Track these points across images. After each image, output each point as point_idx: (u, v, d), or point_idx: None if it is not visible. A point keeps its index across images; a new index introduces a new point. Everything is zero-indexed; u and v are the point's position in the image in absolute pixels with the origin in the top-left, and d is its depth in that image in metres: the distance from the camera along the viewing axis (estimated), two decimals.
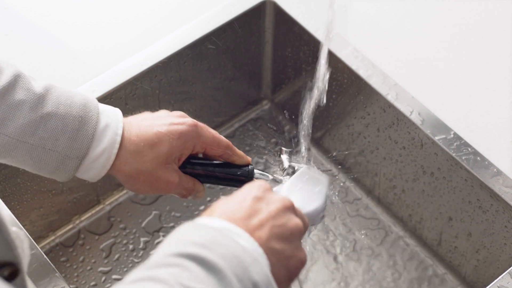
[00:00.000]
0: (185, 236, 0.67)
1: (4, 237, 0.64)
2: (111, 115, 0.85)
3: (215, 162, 0.90)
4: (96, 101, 0.85)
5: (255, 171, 0.91)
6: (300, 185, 0.88)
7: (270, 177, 0.91)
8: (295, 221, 0.73)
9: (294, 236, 0.72)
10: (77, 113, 0.82)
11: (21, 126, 0.80)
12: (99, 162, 0.83)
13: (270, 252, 0.69)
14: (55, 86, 0.84)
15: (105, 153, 0.83)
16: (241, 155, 0.91)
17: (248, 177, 0.90)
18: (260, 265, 0.66)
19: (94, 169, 0.84)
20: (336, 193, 1.23)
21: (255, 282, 0.65)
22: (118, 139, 0.83)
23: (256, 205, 0.72)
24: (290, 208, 0.74)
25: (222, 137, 0.90)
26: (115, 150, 0.83)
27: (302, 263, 0.72)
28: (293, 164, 0.93)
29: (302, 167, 0.91)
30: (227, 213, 0.70)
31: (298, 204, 0.77)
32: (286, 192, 0.87)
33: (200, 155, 0.90)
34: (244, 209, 0.71)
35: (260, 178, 0.90)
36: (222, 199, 0.74)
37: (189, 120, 0.87)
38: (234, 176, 0.90)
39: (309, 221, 0.80)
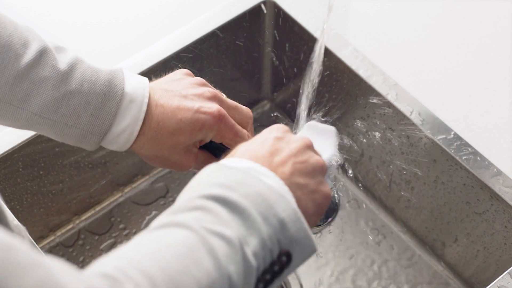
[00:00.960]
0: (208, 178, 0.67)
1: (5, 226, 0.64)
2: (137, 88, 0.84)
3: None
4: (123, 75, 0.84)
5: None
6: (310, 136, 0.88)
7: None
8: (316, 157, 0.74)
9: (316, 172, 0.73)
10: (101, 90, 0.82)
11: (44, 102, 0.80)
12: (122, 137, 0.83)
13: (295, 187, 0.69)
14: (81, 61, 0.84)
15: (128, 130, 0.83)
16: None
17: None
18: (286, 201, 0.66)
19: (117, 143, 0.84)
20: (336, 194, 1.23)
21: (281, 219, 0.64)
22: (142, 115, 0.83)
23: (277, 144, 0.72)
24: (311, 147, 0.75)
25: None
26: (138, 127, 0.83)
27: (327, 197, 0.72)
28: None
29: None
30: (250, 153, 0.71)
31: None
32: None
33: None
34: (266, 148, 0.71)
35: None
36: (243, 143, 0.74)
37: (215, 108, 0.86)
38: None
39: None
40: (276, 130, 0.75)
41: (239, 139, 0.88)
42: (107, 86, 0.82)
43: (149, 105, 0.83)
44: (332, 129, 0.89)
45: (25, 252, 0.51)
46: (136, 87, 0.84)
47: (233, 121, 0.88)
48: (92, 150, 0.86)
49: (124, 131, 0.83)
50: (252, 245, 0.62)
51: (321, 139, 0.88)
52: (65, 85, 0.81)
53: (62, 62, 0.82)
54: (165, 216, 0.64)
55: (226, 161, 0.70)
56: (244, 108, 0.90)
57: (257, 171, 0.68)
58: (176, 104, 0.84)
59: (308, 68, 1.05)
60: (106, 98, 0.82)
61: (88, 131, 0.82)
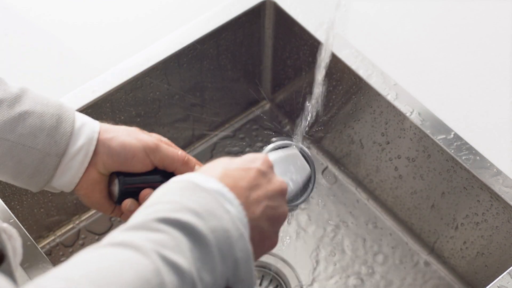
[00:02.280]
0: (180, 197, 0.67)
1: None
2: (86, 117, 0.86)
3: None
4: (71, 106, 0.87)
5: None
6: (278, 163, 0.88)
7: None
8: (284, 208, 0.75)
9: (279, 222, 0.75)
10: (54, 111, 0.83)
11: (0, 123, 0.81)
12: (77, 158, 0.83)
13: (256, 230, 0.70)
14: (30, 89, 0.85)
15: (83, 149, 0.83)
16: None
17: None
18: (244, 241, 0.66)
19: (71, 169, 0.83)
20: (334, 195, 1.23)
21: (236, 259, 0.65)
22: (96, 135, 0.84)
23: (258, 179, 0.73)
24: (284, 194, 0.76)
25: (179, 155, 0.89)
26: (93, 147, 0.83)
27: (273, 247, 0.75)
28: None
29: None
30: (230, 177, 0.71)
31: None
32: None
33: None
34: (247, 180, 0.72)
35: None
36: (225, 158, 0.74)
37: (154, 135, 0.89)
38: None
39: None
40: (262, 162, 0.75)
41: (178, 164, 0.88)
42: (59, 109, 0.84)
43: (101, 127, 0.85)
44: (306, 170, 0.89)
45: None
46: (85, 116, 0.87)
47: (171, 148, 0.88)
48: (44, 184, 0.84)
49: (79, 152, 0.83)
50: (204, 281, 0.62)
51: (288, 165, 0.88)
52: (19, 105, 0.82)
53: (13, 87, 0.84)
54: (121, 232, 0.63)
55: (201, 178, 0.69)
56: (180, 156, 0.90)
57: (227, 198, 0.68)
58: (125, 135, 0.86)
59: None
60: (60, 119, 0.83)
61: (46, 152, 0.82)
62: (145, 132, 0.88)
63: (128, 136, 0.85)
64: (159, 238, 0.61)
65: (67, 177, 0.84)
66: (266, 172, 0.75)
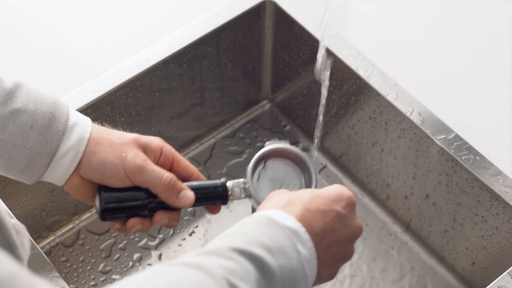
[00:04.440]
0: (255, 230, 0.69)
1: (5, 238, 0.64)
2: (80, 116, 0.85)
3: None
4: (65, 102, 0.86)
5: (228, 183, 0.88)
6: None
7: (242, 181, 0.88)
8: (351, 252, 0.77)
9: (341, 264, 0.77)
10: (47, 109, 0.82)
11: None
12: (67, 158, 0.83)
13: (319, 275, 0.73)
14: (25, 84, 0.84)
15: (72, 150, 0.82)
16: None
17: (223, 190, 0.88)
18: (307, 283, 0.69)
19: (62, 166, 0.83)
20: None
21: None
22: (87, 136, 0.83)
23: (336, 223, 0.74)
24: (356, 239, 0.77)
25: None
26: (83, 148, 0.83)
27: (328, 280, 0.77)
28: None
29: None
30: (308, 218, 0.72)
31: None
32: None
33: None
34: (324, 223, 0.73)
35: (233, 187, 0.88)
36: (308, 193, 0.75)
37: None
38: (210, 191, 0.88)
39: None
40: (345, 205, 0.76)
41: (185, 162, 0.88)
42: (53, 107, 0.83)
43: (92, 127, 0.85)
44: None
45: (27, 283, 0.54)
46: (78, 113, 0.86)
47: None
48: (35, 180, 0.84)
49: (69, 151, 0.82)
50: None
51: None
52: (11, 103, 0.81)
53: (7, 82, 0.83)
54: (195, 256, 0.65)
55: (279, 215, 0.71)
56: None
57: (300, 238, 0.70)
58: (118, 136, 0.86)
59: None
60: (53, 117, 0.82)
61: (37, 151, 0.81)
62: (143, 141, 0.86)
63: (112, 153, 0.83)
64: (230, 265, 0.64)
65: (57, 174, 0.84)
66: (345, 215, 0.75)
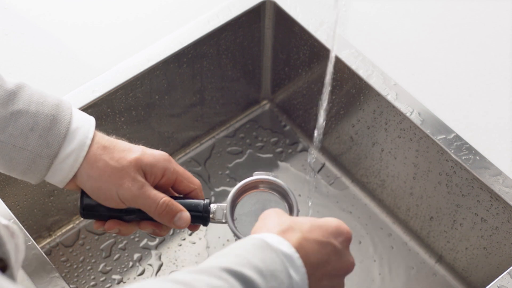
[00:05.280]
0: (249, 252, 0.69)
1: None
2: (83, 119, 0.84)
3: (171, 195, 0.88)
4: (70, 103, 0.85)
5: (212, 205, 0.88)
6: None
7: (225, 205, 0.88)
8: (342, 286, 0.77)
9: None
10: (49, 112, 0.82)
11: None
12: (67, 162, 0.82)
13: None
14: (28, 85, 0.83)
15: (73, 154, 0.82)
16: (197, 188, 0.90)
17: (205, 211, 0.88)
18: None
19: (62, 170, 0.83)
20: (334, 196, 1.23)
21: None
22: (88, 142, 0.82)
23: (331, 256, 0.74)
24: (348, 274, 0.77)
25: (192, 175, 0.89)
26: (84, 153, 0.82)
27: None
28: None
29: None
30: (305, 247, 0.72)
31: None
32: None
33: None
34: (320, 255, 0.73)
35: (216, 210, 0.88)
36: (309, 221, 0.75)
37: (163, 152, 0.87)
38: (192, 211, 0.88)
39: None
40: (343, 240, 0.76)
41: (194, 183, 0.88)
42: (55, 109, 0.82)
43: (94, 135, 0.84)
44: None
45: None
46: (82, 116, 0.85)
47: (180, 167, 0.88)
48: (39, 181, 0.84)
49: (69, 155, 0.82)
50: None
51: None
52: (12, 104, 0.81)
53: (10, 83, 0.82)
54: (186, 273, 0.65)
55: (274, 240, 0.71)
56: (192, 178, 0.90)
57: (294, 263, 0.70)
58: (124, 145, 0.85)
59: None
60: (54, 120, 0.81)
61: (37, 153, 0.81)
62: (145, 162, 0.84)
63: (108, 179, 0.82)
64: (219, 284, 0.64)
65: (59, 177, 0.83)
66: (341, 250, 0.75)
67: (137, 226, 0.88)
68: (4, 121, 0.80)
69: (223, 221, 0.88)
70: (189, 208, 0.87)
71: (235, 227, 0.87)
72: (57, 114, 0.82)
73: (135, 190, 0.83)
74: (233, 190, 0.89)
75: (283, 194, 0.89)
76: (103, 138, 0.85)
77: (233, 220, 0.88)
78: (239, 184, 0.89)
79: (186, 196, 0.89)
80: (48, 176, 0.84)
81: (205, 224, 0.89)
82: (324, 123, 1.15)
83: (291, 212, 0.88)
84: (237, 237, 0.87)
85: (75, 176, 0.83)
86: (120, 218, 0.87)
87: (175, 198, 0.88)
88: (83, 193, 0.86)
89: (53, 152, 0.81)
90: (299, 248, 0.72)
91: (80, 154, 0.82)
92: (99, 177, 0.82)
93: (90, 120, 0.85)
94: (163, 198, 0.84)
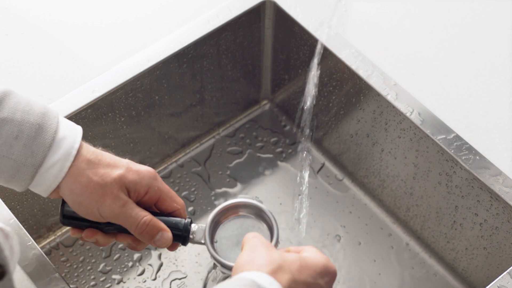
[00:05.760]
0: None
1: None
2: (70, 128, 0.83)
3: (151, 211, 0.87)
4: (57, 112, 0.84)
5: (192, 225, 0.88)
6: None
7: (205, 226, 0.88)
8: None
9: None
10: (35, 120, 0.80)
11: None
12: (51, 172, 0.81)
13: None
14: (15, 93, 0.82)
15: (58, 164, 0.81)
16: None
17: (184, 231, 0.87)
18: None
19: (46, 180, 0.82)
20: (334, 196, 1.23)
21: None
22: (74, 152, 0.81)
23: None
24: None
25: (176, 194, 0.89)
26: (68, 163, 0.81)
27: None
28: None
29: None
30: (294, 285, 0.72)
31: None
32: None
33: None
34: None
35: (196, 230, 0.88)
36: (298, 260, 0.75)
37: (149, 168, 0.86)
38: (171, 228, 0.87)
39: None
40: (330, 279, 0.76)
41: (177, 203, 0.87)
42: (41, 118, 0.81)
43: (80, 146, 0.83)
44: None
45: None
46: (69, 125, 0.83)
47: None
48: (23, 190, 0.83)
49: (54, 165, 0.81)
50: None
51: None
52: None
53: None
54: None
55: (265, 281, 0.70)
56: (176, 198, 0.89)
57: None
58: (109, 156, 0.84)
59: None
60: (40, 129, 0.80)
61: (22, 162, 0.80)
62: (129, 179, 0.83)
63: (90, 195, 0.81)
64: None
65: (42, 187, 0.82)
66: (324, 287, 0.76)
67: (114, 237, 0.87)
68: None
69: (202, 242, 0.87)
70: (169, 225, 0.87)
71: (214, 250, 0.86)
72: (43, 123, 0.81)
73: (117, 208, 0.82)
74: (214, 211, 0.88)
75: (266, 221, 0.88)
76: (89, 151, 0.84)
77: (212, 242, 0.87)
78: (221, 206, 0.88)
79: (169, 214, 0.88)
80: (32, 185, 0.82)
81: (184, 244, 0.88)
82: (313, 103, 1.13)
83: (272, 237, 0.87)
84: (214, 259, 0.86)
85: (58, 186, 0.82)
86: (99, 229, 0.87)
87: (156, 214, 0.87)
88: (64, 202, 0.85)
89: (38, 161, 0.80)
90: (290, 283, 0.71)
91: (65, 164, 0.81)
92: (81, 192, 0.82)
93: (77, 130, 0.84)
94: (144, 217, 0.84)
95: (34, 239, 1.09)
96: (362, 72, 1.10)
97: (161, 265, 1.15)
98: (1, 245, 0.65)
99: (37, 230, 1.14)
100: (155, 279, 1.13)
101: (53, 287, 0.89)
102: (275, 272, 0.72)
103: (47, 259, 0.91)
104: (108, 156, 0.84)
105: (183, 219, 0.88)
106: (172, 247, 0.89)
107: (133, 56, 1.11)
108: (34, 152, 0.80)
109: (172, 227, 0.87)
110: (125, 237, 0.87)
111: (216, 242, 0.87)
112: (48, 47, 1.15)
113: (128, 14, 1.19)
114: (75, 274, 1.13)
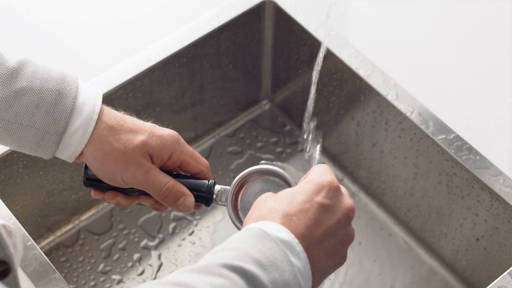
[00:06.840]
0: (247, 244, 0.67)
1: None
2: (90, 92, 0.83)
3: (174, 173, 0.87)
4: (76, 77, 0.83)
5: (216, 186, 0.87)
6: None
7: (229, 189, 0.87)
8: (351, 234, 0.74)
9: (344, 250, 0.74)
10: (54, 87, 0.80)
11: None
12: (74, 138, 0.81)
13: (318, 270, 0.71)
14: (31, 61, 0.82)
15: (80, 130, 0.81)
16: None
17: (208, 193, 0.87)
18: None
19: (70, 146, 0.81)
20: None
21: None
22: (95, 117, 0.81)
23: (320, 215, 0.71)
24: (351, 217, 0.73)
25: (200, 156, 0.88)
26: (91, 128, 0.81)
27: (338, 267, 0.74)
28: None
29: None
30: (291, 221, 0.70)
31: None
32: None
33: None
34: (307, 220, 0.70)
35: (220, 192, 0.87)
36: (288, 194, 0.72)
37: (172, 131, 0.86)
38: (195, 190, 0.87)
39: None
40: (326, 193, 0.72)
41: (201, 164, 0.87)
42: (60, 84, 0.81)
43: (101, 111, 0.82)
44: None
45: None
46: (89, 89, 0.83)
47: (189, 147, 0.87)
48: (50, 156, 0.83)
49: (77, 131, 0.81)
50: None
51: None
52: (15, 82, 0.79)
53: (11, 60, 0.80)
54: (185, 273, 0.64)
55: (272, 227, 0.69)
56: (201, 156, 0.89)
57: (294, 250, 0.68)
58: (131, 119, 0.84)
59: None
60: (60, 95, 0.80)
61: (45, 130, 0.80)
62: (152, 145, 0.83)
63: (113, 163, 0.81)
64: (221, 283, 0.63)
65: (67, 153, 0.82)
66: (329, 204, 0.72)
67: (137, 198, 0.87)
68: (9, 100, 0.79)
69: (226, 204, 0.87)
70: (192, 187, 0.87)
71: (234, 215, 0.86)
72: (62, 89, 0.80)
73: (140, 175, 0.82)
74: (239, 175, 0.86)
75: (289, 184, 0.88)
76: (110, 116, 0.83)
77: (236, 208, 0.86)
78: (246, 170, 0.87)
79: (193, 176, 0.88)
80: (58, 152, 0.82)
81: (208, 205, 0.88)
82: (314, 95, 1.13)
83: None
84: (234, 225, 0.86)
85: (82, 153, 0.82)
86: (122, 191, 0.87)
87: (180, 176, 0.87)
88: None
89: (61, 128, 0.80)
90: (286, 225, 0.70)
91: (87, 130, 0.81)
92: (104, 160, 0.82)
93: (97, 93, 0.84)
94: (167, 183, 0.84)
95: (34, 239, 1.09)
96: (362, 72, 1.10)
97: (161, 265, 1.15)
98: (5, 242, 0.65)
99: (37, 230, 1.14)
100: (155, 279, 1.13)
101: (53, 287, 0.89)
102: (267, 217, 0.71)
103: (47, 259, 0.91)
104: (130, 121, 0.84)
105: (207, 181, 0.88)
106: (196, 207, 0.89)
107: (133, 56, 1.11)
108: (56, 119, 0.80)
109: (196, 189, 0.87)
110: (148, 198, 0.87)
111: (241, 208, 0.87)
112: (48, 47, 1.15)
113: (128, 14, 1.19)
114: (75, 274, 1.13)
